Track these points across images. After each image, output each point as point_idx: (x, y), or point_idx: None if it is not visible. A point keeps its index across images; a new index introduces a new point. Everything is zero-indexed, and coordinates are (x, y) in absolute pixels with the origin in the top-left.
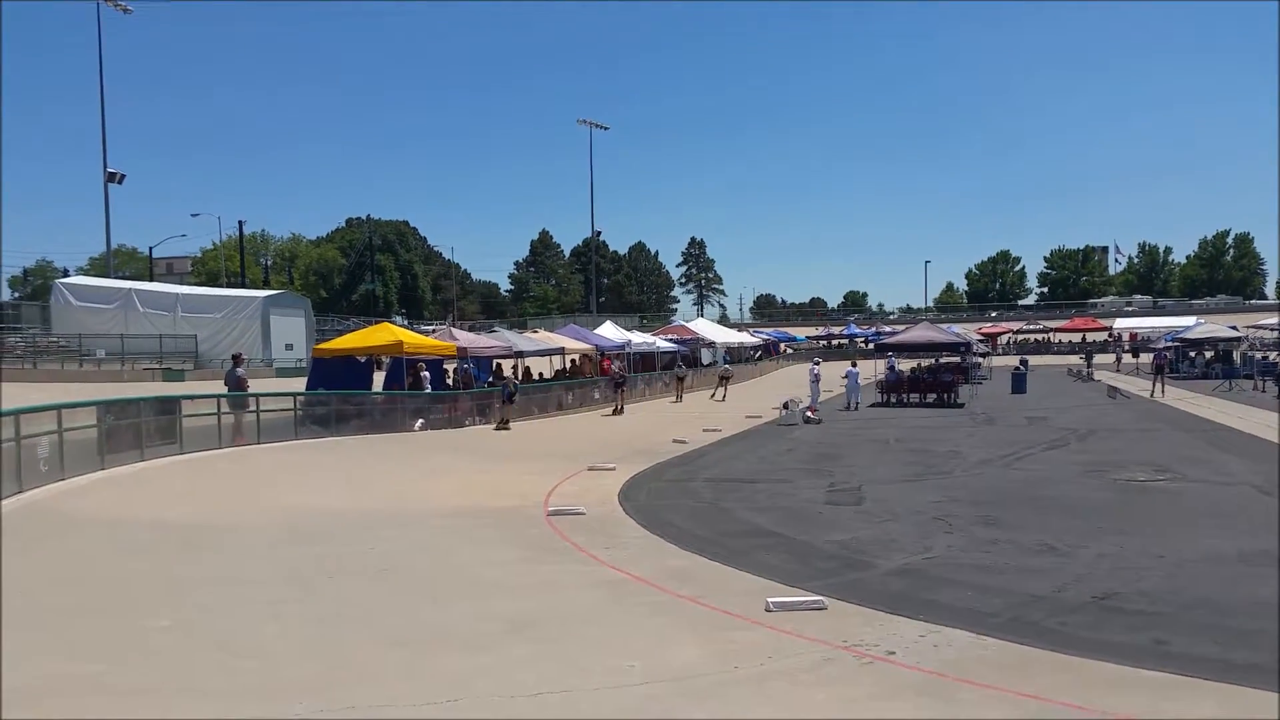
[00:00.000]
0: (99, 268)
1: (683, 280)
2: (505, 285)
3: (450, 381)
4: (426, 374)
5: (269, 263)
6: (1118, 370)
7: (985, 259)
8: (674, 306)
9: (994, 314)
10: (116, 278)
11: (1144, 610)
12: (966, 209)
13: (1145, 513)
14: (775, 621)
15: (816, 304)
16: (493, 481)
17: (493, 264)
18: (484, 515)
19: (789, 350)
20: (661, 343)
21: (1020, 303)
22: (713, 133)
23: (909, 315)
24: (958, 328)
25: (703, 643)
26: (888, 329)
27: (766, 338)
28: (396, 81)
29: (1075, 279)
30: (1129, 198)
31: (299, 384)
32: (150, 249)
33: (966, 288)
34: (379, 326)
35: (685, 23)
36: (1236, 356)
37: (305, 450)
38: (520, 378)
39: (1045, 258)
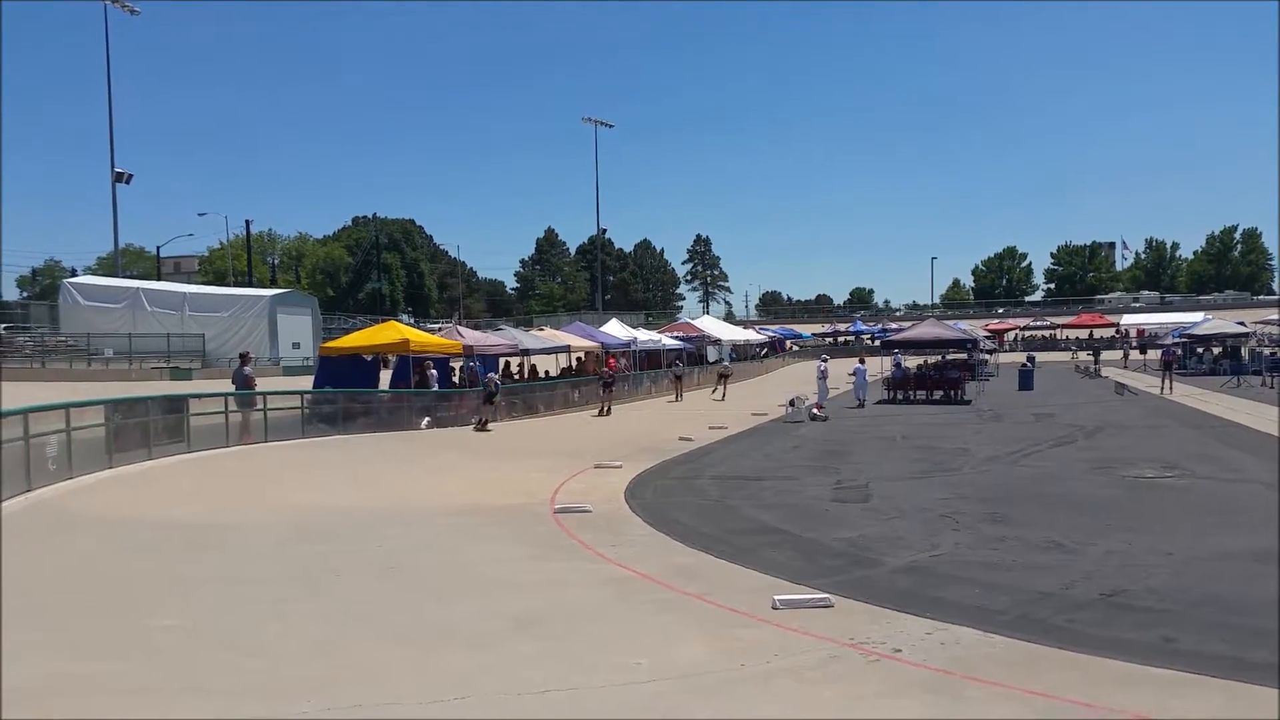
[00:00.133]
0: (107, 267)
1: (688, 278)
2: (511, 283)
3: (457, 380)
4: (434, 372)
5: (276, 261)
6: (1125, 366)
7: (992, 255)
8: (680, 304)
9: (1001, 310)
10: (124, 277)
11: (1152, 607)
12: (972, 206)
13: (1153, 510)
14: (782, 619)
15: (822, 301)
16: (499, 479)
17: (499, 262)
18: (490, 513)
19: (795, 347)
20: (667, 340)
21: (1027, 299)
22: (718, 130)
23: (915, 312)
24: (964, 324)
25: (709, 640)
26: (894, 326)
27: (772, 335)
28: (402, 80)
29: (1082, 275)
30: (1132, 196)
31: (306, 382)
32: (158, 248)
33: (973, 284)
34: (385, 325)
35: (689, 20)
36: (1245, 352)
37: (312, 448)
38: (526, 375)
39: (1052, 254)
